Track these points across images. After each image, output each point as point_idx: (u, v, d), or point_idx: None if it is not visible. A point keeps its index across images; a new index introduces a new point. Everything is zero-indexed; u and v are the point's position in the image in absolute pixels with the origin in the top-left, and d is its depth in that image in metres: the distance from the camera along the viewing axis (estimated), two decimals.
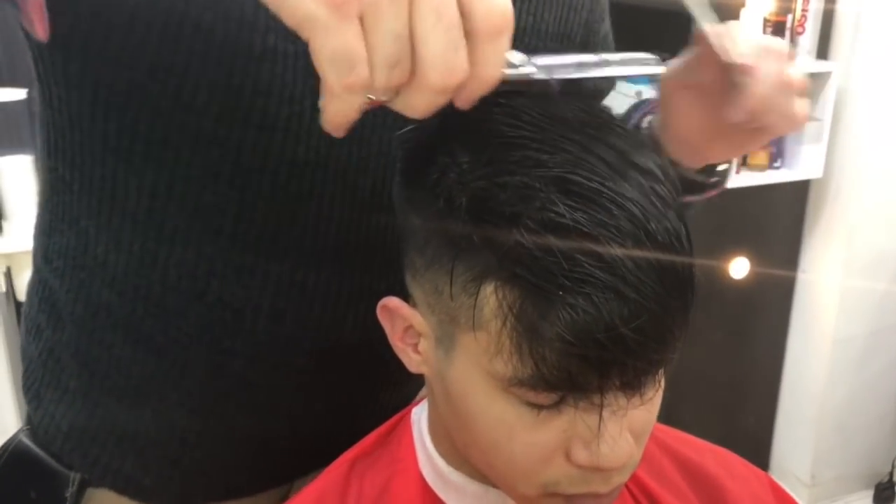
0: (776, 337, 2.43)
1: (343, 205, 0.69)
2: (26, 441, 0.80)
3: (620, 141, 0.55)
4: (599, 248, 0.50)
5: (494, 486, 0.67)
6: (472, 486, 0.68)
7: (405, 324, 0.63)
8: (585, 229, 0.50)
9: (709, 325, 2.26)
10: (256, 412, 0.76)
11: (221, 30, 0.60)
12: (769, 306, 2.38)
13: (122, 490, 0.78)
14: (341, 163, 0.68)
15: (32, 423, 0.80)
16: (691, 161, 0.70)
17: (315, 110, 0.45)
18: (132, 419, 0.75)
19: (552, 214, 0.51)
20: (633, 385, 0.55)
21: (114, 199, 0.68)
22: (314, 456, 0.78)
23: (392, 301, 0.63)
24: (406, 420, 0.74)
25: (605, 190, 0.52)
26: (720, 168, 0.74)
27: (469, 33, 0.43)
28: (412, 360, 0.64)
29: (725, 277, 2.21)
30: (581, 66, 0.56)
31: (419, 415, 0.73)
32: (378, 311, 0.64)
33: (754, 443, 2.52)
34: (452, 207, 0.55)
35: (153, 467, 0.77)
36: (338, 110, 0.44)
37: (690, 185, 0.70)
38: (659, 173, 0.55)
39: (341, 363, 0.68)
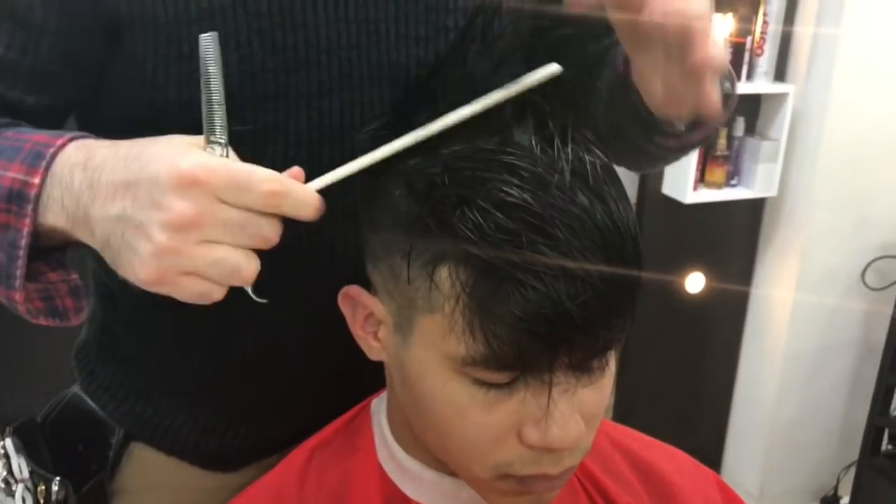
0: (729, 351, 2.47)
1: (310, 131, 0.70)
2: (81, 393, 0.85)
3: (568, 129, 0.57)
4: (548, 228, 0.53)
5: (451, 474, 0.68)
6: (428, 474, 0.69)
7: (365, 311, 0.64)
8: (535, 209, 0.53)
9: (663, 338, 2.29)
10: (272, 347, 0.78)
11: None
12: (723, 321, 2.42)
13: (168, 451, 0.82)
14: (301, 89, 0.69)
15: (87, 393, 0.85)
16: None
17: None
18: (175, 376, 0.81)
19: (502, 195, 0.53)
20: (582, 365, 0.57)
21: None
22: (340, 393, 0.80)
23: (353, 289, 0.64)
24: (366, 410, 0.76)
25: (554, 174, 0.54)
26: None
27: None
28: (372, 349, 0.65)
29: (681, 292, 2.25)
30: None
31: (379, 405, 0.74)
32: (339, 299, 0.65)
33: (705, 455, 2.56)
34: (409, 192, 0.57)
35: (202, 419, 0.81)
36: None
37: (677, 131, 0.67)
38: (605, 159, 0.57)
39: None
